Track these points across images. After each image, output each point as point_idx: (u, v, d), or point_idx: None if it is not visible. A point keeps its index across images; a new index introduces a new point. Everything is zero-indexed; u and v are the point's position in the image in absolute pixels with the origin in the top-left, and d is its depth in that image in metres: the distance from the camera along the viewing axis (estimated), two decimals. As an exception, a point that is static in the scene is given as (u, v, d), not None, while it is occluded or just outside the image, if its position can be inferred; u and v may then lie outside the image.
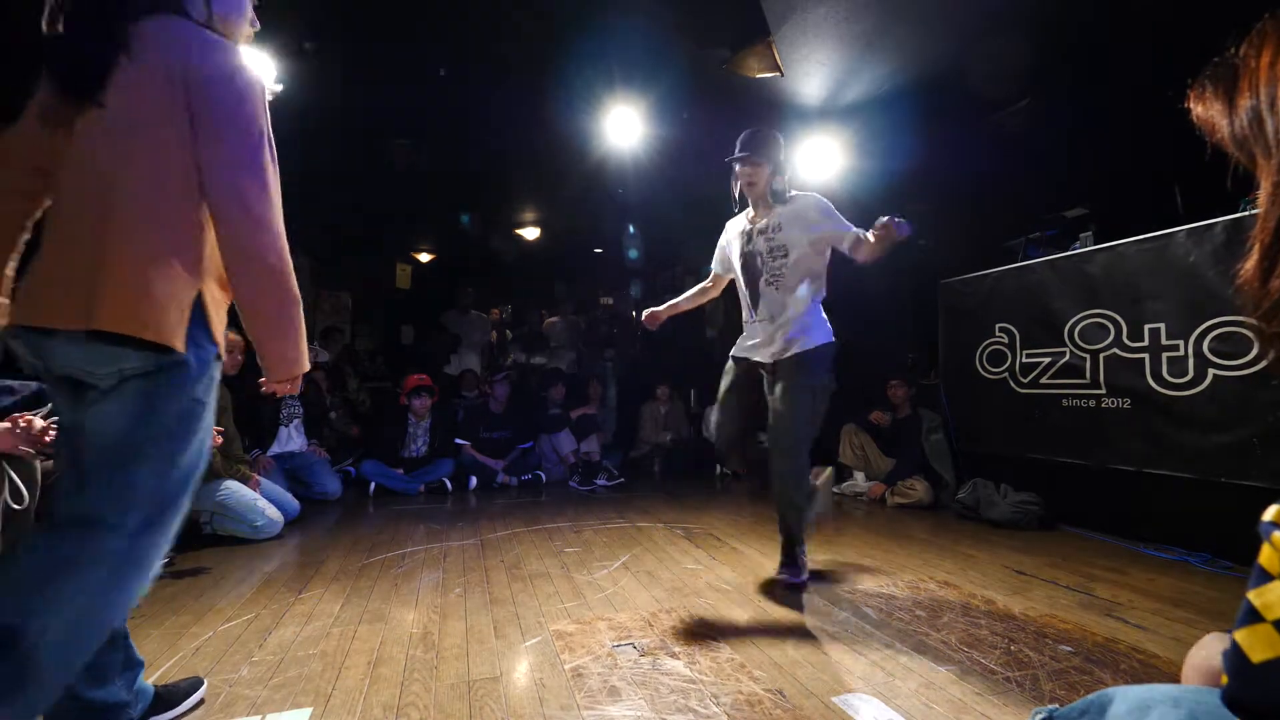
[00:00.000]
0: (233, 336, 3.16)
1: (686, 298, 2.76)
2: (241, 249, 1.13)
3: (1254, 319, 0.46)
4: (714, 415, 2.60)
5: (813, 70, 3.43)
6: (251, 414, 3.56)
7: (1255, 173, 0.47)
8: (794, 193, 2.46)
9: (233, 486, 3.00)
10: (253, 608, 2.10)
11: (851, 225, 2.30)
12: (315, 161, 4.69)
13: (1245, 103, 0.47)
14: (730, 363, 2.54)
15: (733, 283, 2.64)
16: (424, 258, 7.68)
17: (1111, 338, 3.05)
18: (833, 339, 2.39)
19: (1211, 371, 2.64)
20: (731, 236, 2.59)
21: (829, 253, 2.40)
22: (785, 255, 2.37)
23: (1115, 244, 3.06)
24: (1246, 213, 2.57)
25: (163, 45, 1.11)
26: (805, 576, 2.40)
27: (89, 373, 1.07)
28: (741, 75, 3.42)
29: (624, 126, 3.95)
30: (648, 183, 4.83)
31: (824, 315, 2.44)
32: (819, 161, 4.32)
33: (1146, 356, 2.90)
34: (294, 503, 3.44)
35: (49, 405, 1.65)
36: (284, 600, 2.17)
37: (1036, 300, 3.44)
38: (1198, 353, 2.69)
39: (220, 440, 2.75)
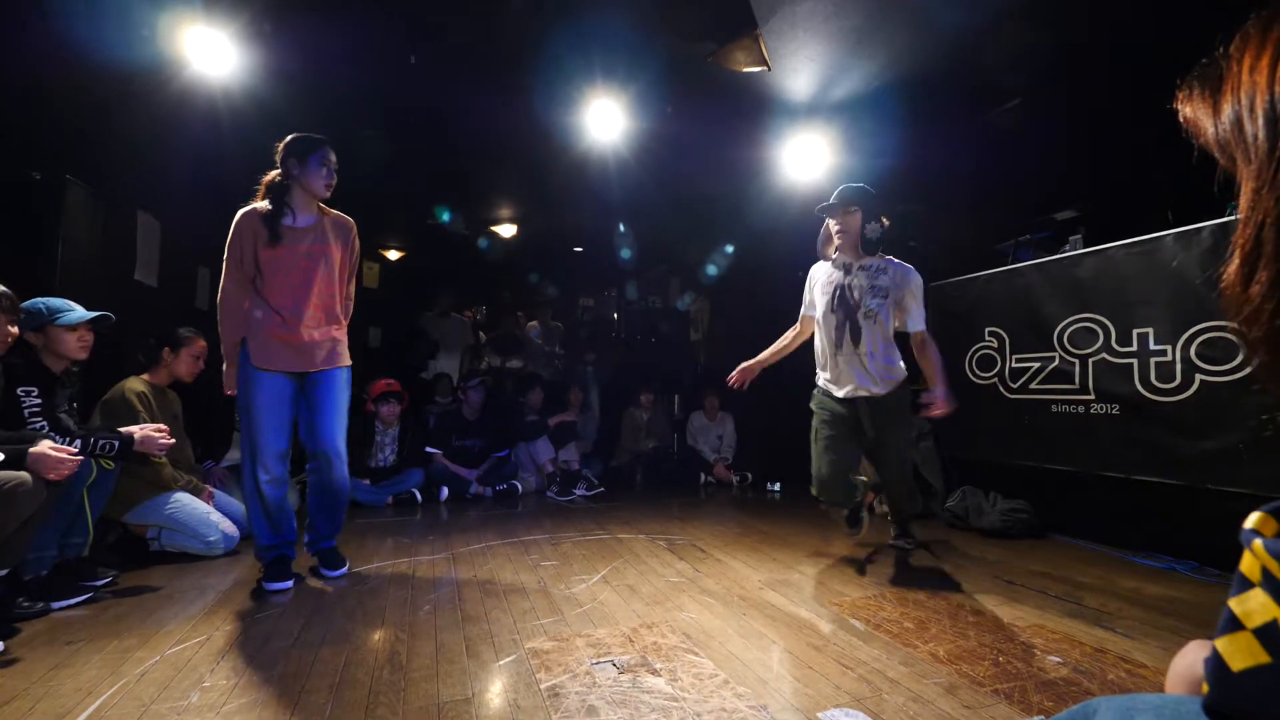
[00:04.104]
0: (201, 343, 3.00)
1: (775, 349, 2.97)
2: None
3: (1236, 324, 0.46)
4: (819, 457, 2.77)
5: (800, 65, 3.37)
6: (201, 422, 3.38)
7: (1237, 177, 0.47)
8: (894, 259, 2.74)
9: (183, 499, 2.79)
10: (205, 629, 1.99)
11: (922, 324, 2.68)
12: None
13: (1227, 106, 0.48)
14: (824, 399, 2.82)
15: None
16: (392, 255, 7.48)
17: (1100, 342, 3.03)
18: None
19: (1199, 377, 2.63)
20: (819, 276, 2.86)
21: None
22: (886, 296, 2.68)
23: (1104, 247, 3.05)
24: (1231, 218, 2.56)
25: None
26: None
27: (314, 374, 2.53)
28: (727, 69, 3.35)
29: (605, 120, 3.86)
30: (631, 179, 4.73)
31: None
32: (807, 160, 4.28)
33: (1135, 362, 2.88)
34: (252, 515, 3.27)
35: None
36: (239, 621, 2.06)
37: (1026, 304, 3.41)
38: (1185, 358, 2.68)
39: (172, 443, 2.54)
